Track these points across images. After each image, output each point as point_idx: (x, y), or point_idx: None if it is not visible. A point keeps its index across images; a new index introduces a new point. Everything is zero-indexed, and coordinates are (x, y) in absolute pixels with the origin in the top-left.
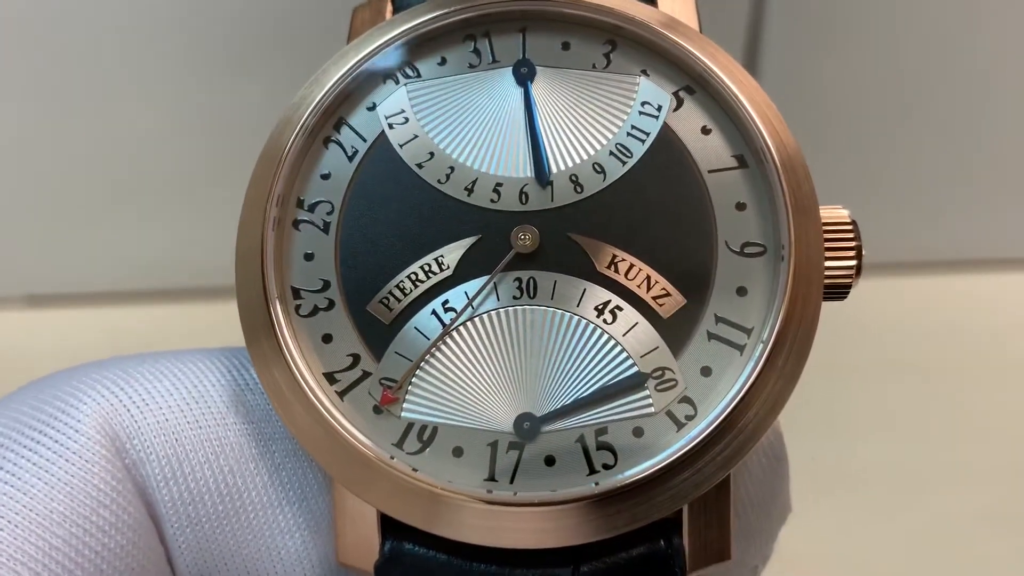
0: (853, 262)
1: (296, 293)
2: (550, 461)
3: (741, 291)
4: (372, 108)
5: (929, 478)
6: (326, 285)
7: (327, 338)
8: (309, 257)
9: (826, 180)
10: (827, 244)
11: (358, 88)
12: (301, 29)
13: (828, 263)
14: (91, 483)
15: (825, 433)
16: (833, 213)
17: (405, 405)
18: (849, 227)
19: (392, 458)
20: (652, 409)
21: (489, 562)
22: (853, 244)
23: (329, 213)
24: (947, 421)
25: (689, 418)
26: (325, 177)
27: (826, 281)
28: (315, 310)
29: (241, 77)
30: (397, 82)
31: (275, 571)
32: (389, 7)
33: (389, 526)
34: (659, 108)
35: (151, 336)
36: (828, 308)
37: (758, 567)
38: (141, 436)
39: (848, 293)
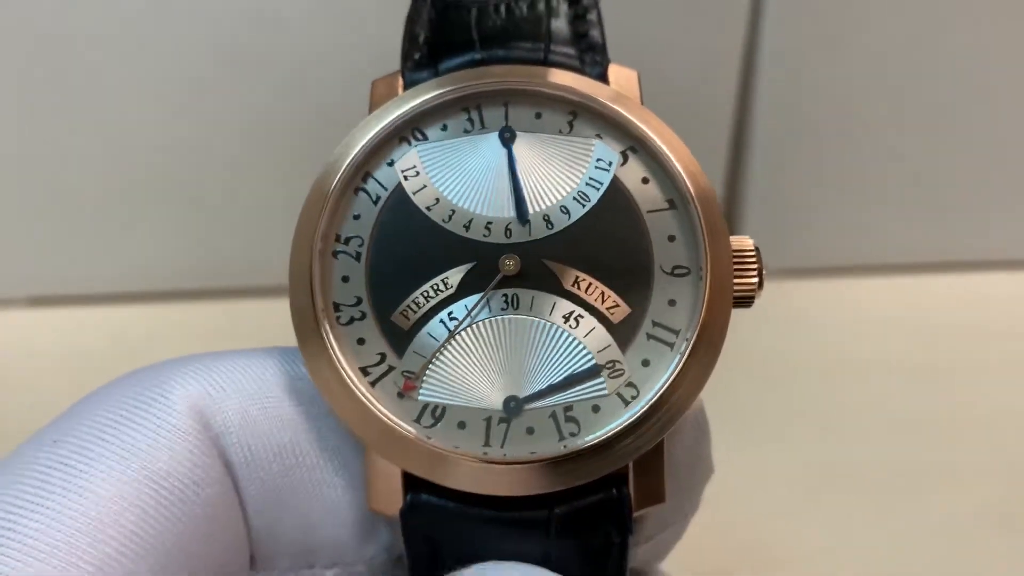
0: (755, 279)
1: (336, 307)
2: (530, 431)
3: (671, 303)
4: (391, 164)
5: (926, 478)
6: (359, 301)
7: (361, 341)
8: (345, 279)
9: (827, 180)
10: (736, 266)
11: (380, 149)
12: (304, 35)
13: (736, 280)
14: (186, 448)
15: (825, 433)
16: (741, 242)
17: (421, 391)
18: (752, 252)
19: (412, 430)
20: (606, 391)
21: (485, 507)
22: (755, 266)
23: (360, 245)
24: (944, 420)
25: (633, 398)
26: (356, 217)
27: (735, 294)
28: (351, 320)
29: (245, 80)
30: (410, 144)
31: (320, 513)
32: (400, 82)
33: (410, 482)
34: (610, 164)
35: (154, 336)
36: (828, 309)
37: (688, 515)
38: (221, 415)
39: (752, 303)
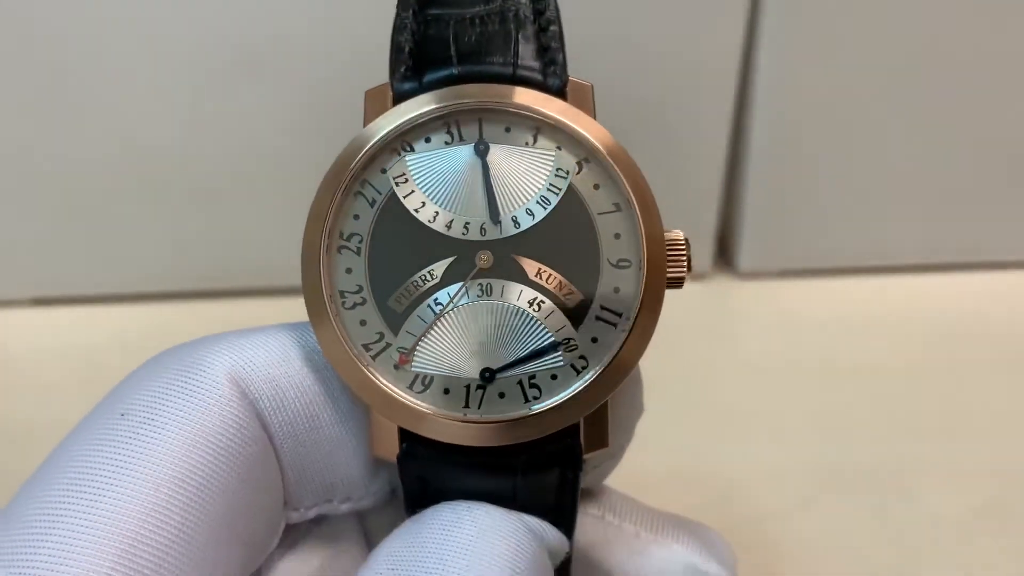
0: (684, 266)
1: (341, 294)
2: (501, 395)
3: (616, 290)
4: (384, 171)
5: (926, 477)
6: (360, 288)
7: (362, 322)
8: (348, 271)
9: (825, 181)
10: (669, 256)
11: (375, 158)
12: (308, 37)
13: (669, 267)
14: (232, 413)
15: (823, 433)
16: (674, 235)
17: (413, 363)
18: (682, 243)
19: (406, 395)
20: (562, 363)
21: (464, 455)
22: (684, 255)
23: (360, 242)
24: (944, 420)
25: (584, 368)
26: (356, 217)
27: (668, 277)
28: (354, 305)
29: (248, 82)
30: (399, 154)
31: (338, 460)
32: (390, 93)
33: (405, 435)
34: (567, 172)
35: (157, 336)
36: (826, 309)
37: (624, 446)
38: (254, 384)
39: (682, 284)
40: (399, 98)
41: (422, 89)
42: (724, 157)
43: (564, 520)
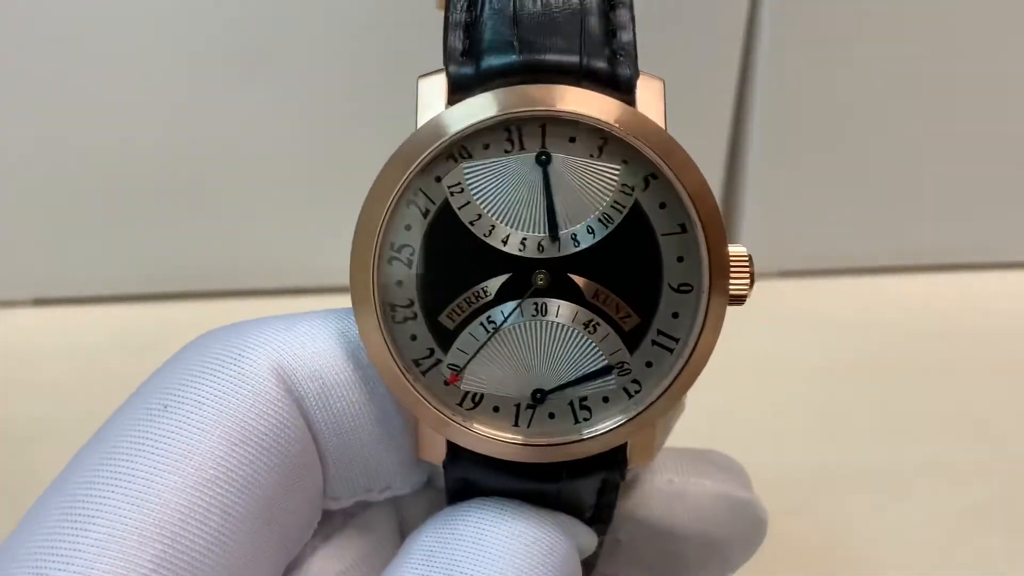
0: (747, 283)
1: (392, 307)
2: (551, 416)
3: (675, 315)
4: (439, 180)
5: (926, 477)
6: (411, 303)
7: (413, 337)
8: (399, 284)
9: (824, 181)
10: (732, 273)
11: (429, 166)
12: (312, 37)
13: (732, 285)
14: (274, 411)
15: (823, 433)
16: (737, 251)
17: (464, 381)
18: (745, 260)
19: (455, 413)
20: (614, 386)
21: (510, 472)
22: (747, 271)
23: (411, 254)
24: (943, 420)
25: (636, 392)
26: (408, 228)
27: (730, 295)
28: (405, 319)
29: (249, 81)
30: (456, 161)
31: (379, 458)
32: (446, 82)
33: (451, 447)
34: (632, 188)
35: (159, 335)
36: (826, 309)
37: (662, 444)
38: (300, 380)
39: (744, 301)
40: (456, 86)
41: (479, 77)
42: (724, 157)
43: (601, 519)
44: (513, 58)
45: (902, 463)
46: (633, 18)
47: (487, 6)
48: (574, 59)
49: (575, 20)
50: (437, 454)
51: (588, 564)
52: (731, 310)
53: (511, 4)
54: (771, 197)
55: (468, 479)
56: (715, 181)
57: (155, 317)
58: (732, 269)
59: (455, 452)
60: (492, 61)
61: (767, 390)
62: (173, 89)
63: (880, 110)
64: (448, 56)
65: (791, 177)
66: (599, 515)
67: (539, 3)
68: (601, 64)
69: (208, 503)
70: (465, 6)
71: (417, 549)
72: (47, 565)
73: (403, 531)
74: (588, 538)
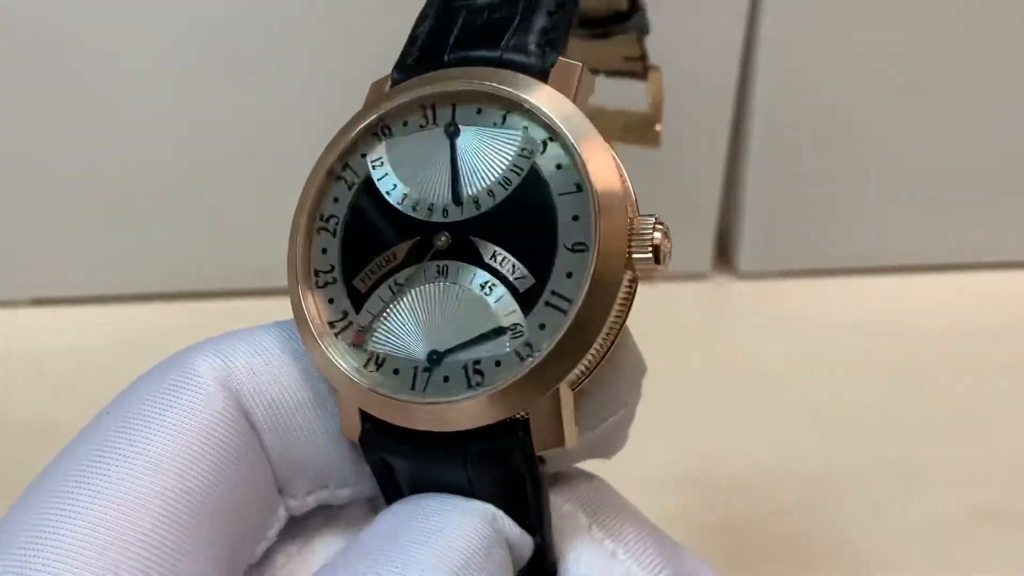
0: (648, 253)
1: (316, 273)
2: (446, 379)
3: (569, 275)
4: (363, 156)
5: (925, 477)
6: (332, 268)
7: (331, 300)
8: (324, 251)
9: (824, 181)
10: (632, 239)
11: (358, 143)
12: (312, 37)
13: (632, 253)
14: (221, 413)
15: (822, 433)
16: (641, 219)
17: (369, 343)
18: (648, 227)
19: (360, 375)
20: (507, 349)
21: (416, 442)
22: (647, 239)
23: (336, 224)
24: (942, 420)
25: (528, 356)
26: (335, 200)
27: (631, 264)
28: (326, 284)
29: (249, 81)
30: (379, 138)
31: (323, 444)
32: (389, 84)
33: (365, 417)
34: (531, 152)
35: (157, 336)
36: (826, 309)
37: (623, 404)
38: (242, 386)
39: (651, 276)
40: (394, 86)
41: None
42: (724, 157)
43: (524, 517)
44: (444, 59)
45: (902, 463)
46: (569, 20)
47: (441, 22)
48: (495, 54)
49: (508, 25)
50: (354, 428)
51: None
52: (732, 308)
53: (460, 18)
54: (771, 197)
55: (386, 461)
56: (715, 181)
57: (155, 317)
58: (633, 233)
59: (367, 426)
60: (425, 64)
61: (767, 390)
62: (173, 89)
63: (880, 110)
64: (399, 62)
65: (791, 177)
66: (521, 514)
67: (484, 16)
68: (518, 57)
69: (158, 517)
70: (427, 24)
71: (358, 551)
72: None
73: None
74: (517, 533)
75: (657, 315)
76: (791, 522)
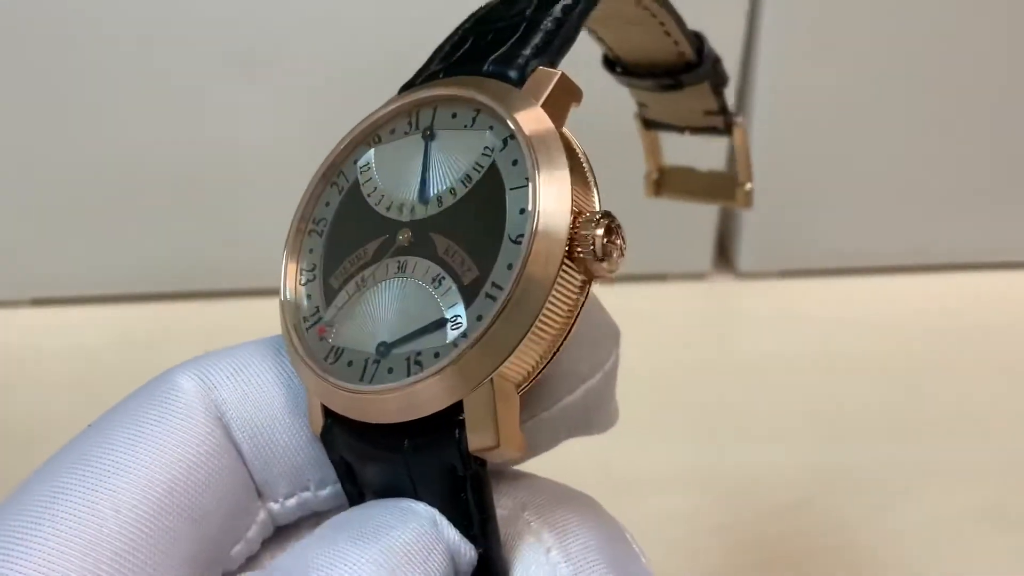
0: (591, 248)
1: (301, 272)
2: (390, 371)
3: (509, 266)
4: (355, 162)
5: (925, 477)
6: (315, 267)
7: (309, 297)
8: (311, 251)
9: (824, 181)
10: (574, 233)
11: (351, 151)
12: (312, 37)
13: (574, 247)
14: (205, 430)
15: (822, 433)
16: (588, 212)
17: (330, 336)
18: (593, 222)
19: (321, 368)
20: (447, 340)
21: (363, 436)
22: (588, 235)
23: (324, 225)
24: (942, 419)
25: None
26: (327, 204)
27: (570, 257)
28: (307, 281)
29: (249, 82)
30: (370, 145)
31: (300, 445)
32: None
33: (325, 409)
34: (492, 150)
35: (157, 336)
36: (826, 309)
37: (588, 376)
38: (224, 403)
39: (594, 275)
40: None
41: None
42: (724, 157)
43: (468, 526)
44: (440, 75)
45: (902, 463)
46: (556, 36)
47: (456, 39)
48: (483, 66)
49: (504, 42)
50: (318, 424)
51: None
52: (732, 308)
53: (472, 36)
54: (771, 197)
55: (344, 459)
56: None
57: (154, 317)
58: (576, 227)
59: (327, 422)
60: (423, 78)
61: (767, 390)
62: (173, 89)
63: (880, 110)
64: (411, 79)
65: (791, 177)
66: (460, 518)
67: (487, 39)
68: (499, 67)
69: (137, 525)
70: (448, 43)
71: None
72: None
73: None
74: (455, 537)
75: (657, 315)
76: (791, 522)
